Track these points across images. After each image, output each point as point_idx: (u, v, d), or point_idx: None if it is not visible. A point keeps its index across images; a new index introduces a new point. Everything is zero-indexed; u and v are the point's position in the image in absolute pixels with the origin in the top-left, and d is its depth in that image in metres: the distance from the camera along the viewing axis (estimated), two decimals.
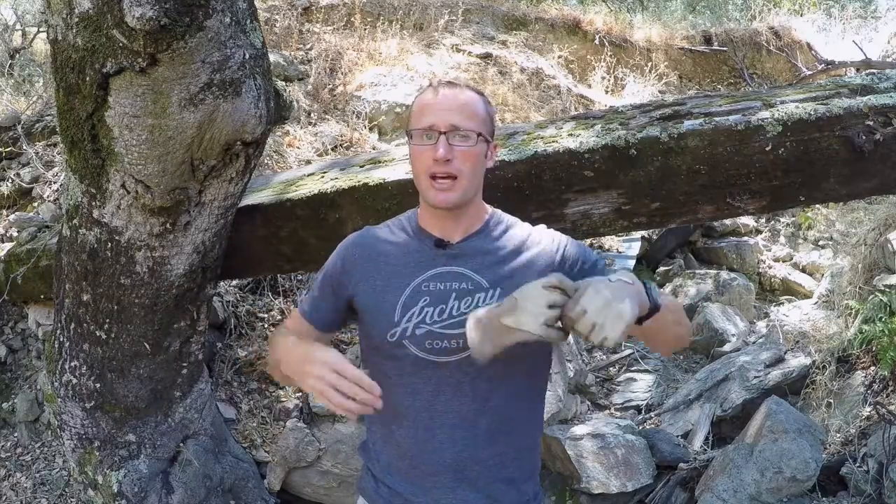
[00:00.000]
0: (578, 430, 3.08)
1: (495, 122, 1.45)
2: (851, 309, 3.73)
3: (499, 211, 1.46)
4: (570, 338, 1.37)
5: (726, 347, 4.37)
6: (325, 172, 2.38)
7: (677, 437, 3.31)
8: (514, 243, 1.38)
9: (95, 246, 2.10)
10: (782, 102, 2.01)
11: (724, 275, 5.19)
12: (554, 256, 1.36)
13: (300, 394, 3.34)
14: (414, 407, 1.32)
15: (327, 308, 1.42)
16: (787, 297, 5.37)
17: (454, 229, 1.37)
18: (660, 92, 6.92)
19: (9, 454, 3.27)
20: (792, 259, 5.81)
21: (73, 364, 2.36)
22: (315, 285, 1.45)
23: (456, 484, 1.32)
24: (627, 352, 4.48)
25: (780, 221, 6.21)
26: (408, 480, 1.34)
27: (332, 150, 4.64)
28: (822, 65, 7.61)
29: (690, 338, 1.39)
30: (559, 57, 6.87)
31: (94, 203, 1.99)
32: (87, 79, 1.64)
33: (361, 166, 2.33)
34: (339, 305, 1.41)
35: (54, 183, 3.92)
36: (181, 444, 2.60)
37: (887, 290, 3.54)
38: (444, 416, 1.31)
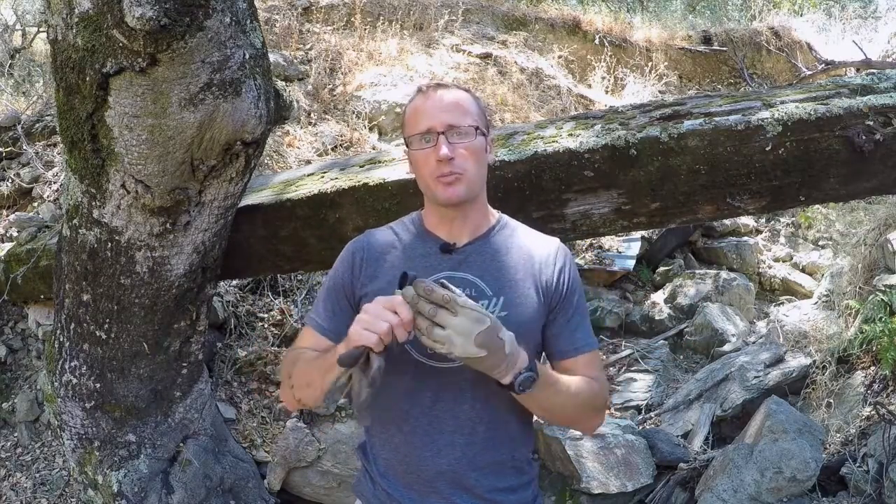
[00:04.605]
0: None
1: (487, 116, 1.44)
2: (851, 309, 3.73)
3: (506, 216, 1.46)
4: None
5: (726, 347, 4.37)
6: (325, 172, 2.38)
7: (677, 437, 3.30)
8: (520, 253, 1.37)
9: (95, 246, 2.10)
10: (782, 102, 2.01)
11: (724, 275, 5.19)
12: (551, 280, 1.36)
13: None
14: (413, 412, 1.31)
15: (343, 319, 1.36)
16: (786, 297, 5.37)
17: (461, 229, 1.37)
18: (660, 92, 6.93)
19: (9, 454, 3.27)
20: (792, 259, 5.81)
21: (73, 364, 2.36)
22: (323, 298, 1.41)
23: (452, 491, 1.31)
24: (627, 352, 4.49)
25: (780, 221, 6.21)
26: (405, 485, 1.34)
27: (332, 150, 4.65)
28: (822, 65, 7.62)
29: (596, 426, 1.43)
30: (559, 57, 6.88)
31: (94, 203, 1.99)
32: (87, 79, 1.64)
33: (361, 166, 2.34)
34: (353, 313, 1.37)
35: (54, 183, 3.92)
36: (181, 444, 2.60)
37: (887, 290, 3.54)
38: (443, 421, 1.30)
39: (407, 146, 1.37)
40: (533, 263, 1.36)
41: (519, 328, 1.28)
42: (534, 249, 1.38)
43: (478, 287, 1.32)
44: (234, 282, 3.69)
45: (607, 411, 3.87)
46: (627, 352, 4.48)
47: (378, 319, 1.11)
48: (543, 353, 1.40)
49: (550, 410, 1.32)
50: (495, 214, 1.44)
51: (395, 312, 1.11)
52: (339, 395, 1.16)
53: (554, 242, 1.42)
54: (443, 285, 1.14)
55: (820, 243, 5.95)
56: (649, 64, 7.21)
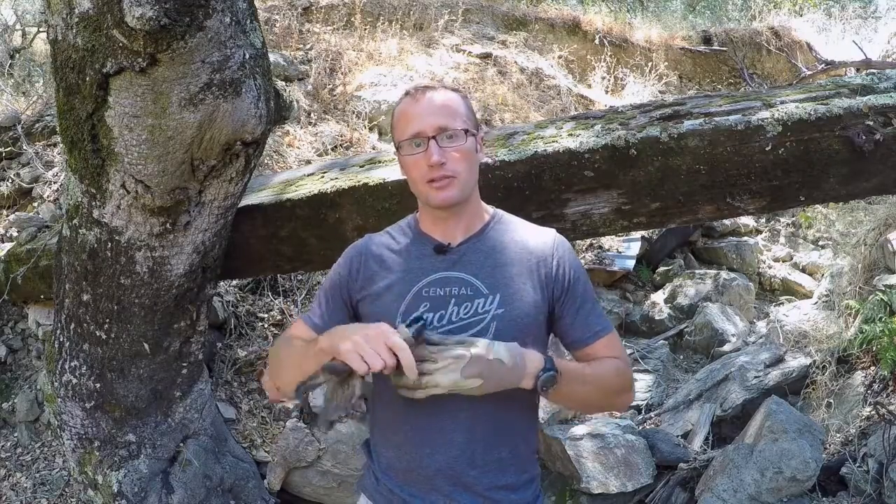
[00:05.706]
0: (578, 430, 3.08)
1: (477, 115, 1.45)
2: (851, 309, 3.73)
3: (501, 211, 1.46)
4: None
5: (726, 347, 4.37)
6: (325, 172, 2.38)
7: (677, 437, 3.30)
8: (515, 248, 1.37)
9: (95, 246, 2.10)
10: (782, 102, 2.01)
11: (724, 275, 5.19)
12: (550, 272, 1.36)
13: None
14: (412, 411, 1.31)
15: (336, 318, 1.38)
16: (786, 297, 5.37)
17: (455, 229, 1.37)
18: (660, 92, 6.93)
19: (9, 454, 3.27)
20: (792, 259, 5.81)
21: (73, 364, 2.36)
22: (321, 298, 1.43)
23: (452, 488, 1.31)
24: (627, 352, 4.48)
25: (780, 221, 6.21)
26: (406, 483, 1.34)
27: (332, 150, 4.64)
28: (822, 65, 7.62)
29: (627, 404, 1.43)
30: (559, 57, 6.88)
31: (94, 203, 1.99)
32: (87, 79, 1.64)
33: (361, 166, 2.34)
34: (349, 314, 1.40)
35: (54, 183, 3.92)
36: (181, 444, 2.60)
37: (887, 290, 3.54)
38: (442, 420, 1.31)
39: (397, 150, 1.37)
40: (530, 258, 1.36)
41: (516, 323, 1.30)
42: (530, 243, 1.38)
43: (473, 286, 1.32)
44: (234, 282, 3.68)
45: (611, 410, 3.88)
46: (627, 352, 4.48)
47: (375, 354, 1.12)
48: (558, 342, 1.41)
49: (581, 401, 1.36)
50: (489, 210, 1.44)
51: (394, 354, 1.13)
52: (309, 390, 1.18)
53: (550, 234, 1.42)
54: (416, 334, 1.17)
55: (820, 243, 5.95)
56: (649, 64, 7.21)
